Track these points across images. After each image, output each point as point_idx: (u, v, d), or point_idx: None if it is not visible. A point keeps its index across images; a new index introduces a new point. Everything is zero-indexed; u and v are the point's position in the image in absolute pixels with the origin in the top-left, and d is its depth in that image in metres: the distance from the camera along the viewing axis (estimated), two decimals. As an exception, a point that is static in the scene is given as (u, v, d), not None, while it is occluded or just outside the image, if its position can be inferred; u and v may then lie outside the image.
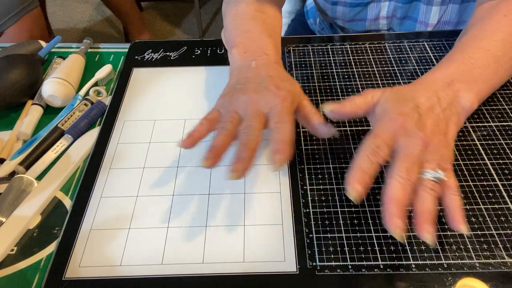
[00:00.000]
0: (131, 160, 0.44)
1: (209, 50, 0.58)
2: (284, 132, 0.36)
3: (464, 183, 0.39)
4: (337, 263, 0.34)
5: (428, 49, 0.54)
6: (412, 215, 0.33)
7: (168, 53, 0.57)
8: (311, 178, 0.41)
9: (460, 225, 0.32)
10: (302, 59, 0.54)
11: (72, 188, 0.42)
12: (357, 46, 0.56)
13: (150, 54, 0.57)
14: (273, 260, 0.35)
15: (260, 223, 0.37)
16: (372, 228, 0.36)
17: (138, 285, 0.34)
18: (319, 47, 0.56)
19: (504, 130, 0.44)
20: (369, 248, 0.35)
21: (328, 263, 0.34)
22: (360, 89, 0.50)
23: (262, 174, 0.41)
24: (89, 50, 0.60)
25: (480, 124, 0.45)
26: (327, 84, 0.51)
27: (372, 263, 0.34)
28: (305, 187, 0.40)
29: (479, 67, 0.41)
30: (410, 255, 0.34)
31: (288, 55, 0.55)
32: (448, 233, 0.36)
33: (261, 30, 0.49)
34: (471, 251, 0.34)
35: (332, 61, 0.54)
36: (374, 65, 0.53)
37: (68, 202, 0.41)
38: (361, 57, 0.54)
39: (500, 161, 0.41)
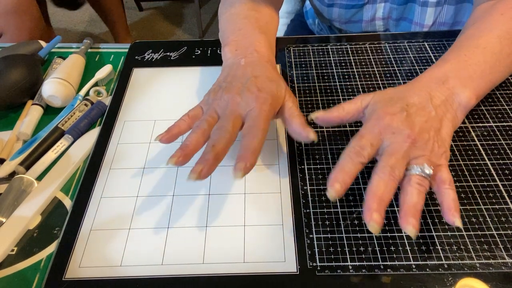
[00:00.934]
0: (131, 160, 0.44)
1: (209, 50, 0.58)
2: (252, 138, 0.35)
3: (464, 183, 0.39)
4: (338, 264, 0.34)
5: (428, 49, 0.54)
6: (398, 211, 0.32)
7: (168, 53, 0.57)
8: (311, 178, 0.41)
9: (454, 218, 0.32)
10: (302, 59, 0.54)
11: (72, 189, 0.42)
12: (357, 46, 0.56)
13: (150, 54, 0.57)
14: (273, 260, 0.35)
15: (260, 224, 0.37)
16: (372, 228, 0.36)
17: (138, 286, 0.34)
18: (319, 47, 0.56)
19: (504, 130, 0.44)
20: (369, 249, 0.35)
21: (328, 264, 0.34)
22: (360, 89, 0.50)
23: (262, 175, 0.41)
24: (89, 50, 0.60)
25: (480, 124, 0.45)
26: (326, 84, 0.51)
27: (373, 263, 0.34)
28: (305, 187, 0.40)
29: (474, 64, 0.41)
30: (410, 255, 0.34)
31: (288, 55, 0.55)
32: (449, 233, 0.36)
33: (253, 27, 0.48)
34: (472, 251, 0.34)
35: (332, 61, 0.54)
36: (373, 65, 0.53)
37: (68, 203, 0.41)
38: (360, 57, 0.54)
39: (500, 161, 0.41)
